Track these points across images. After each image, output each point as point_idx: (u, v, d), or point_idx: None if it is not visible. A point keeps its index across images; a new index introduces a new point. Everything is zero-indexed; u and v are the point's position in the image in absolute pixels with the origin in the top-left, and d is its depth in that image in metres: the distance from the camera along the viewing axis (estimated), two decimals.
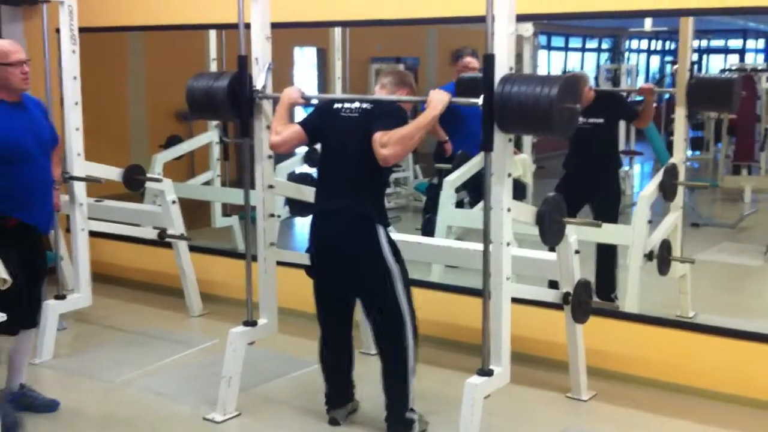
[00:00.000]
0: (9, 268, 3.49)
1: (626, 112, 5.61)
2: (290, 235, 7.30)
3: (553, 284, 4.25)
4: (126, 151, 7.92)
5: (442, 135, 6.00)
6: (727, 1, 4.07)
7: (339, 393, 3.85)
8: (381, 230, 3.58)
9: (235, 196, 6.14)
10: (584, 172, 5.33)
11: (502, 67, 3.30)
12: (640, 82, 16.28)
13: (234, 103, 4.00)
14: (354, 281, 3.68)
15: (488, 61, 3.29)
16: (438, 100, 3.45)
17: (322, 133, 3.75)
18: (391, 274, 3.57)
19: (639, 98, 5.57)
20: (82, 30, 4.85)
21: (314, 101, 4.18)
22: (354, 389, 3.92)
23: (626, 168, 9.47)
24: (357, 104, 3.65)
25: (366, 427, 3.84)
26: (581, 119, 5.04)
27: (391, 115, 3.56)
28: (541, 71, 14.05)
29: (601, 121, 5.23)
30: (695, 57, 15.90)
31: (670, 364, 4.31)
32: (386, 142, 3.41)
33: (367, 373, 3.99)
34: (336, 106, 3.69)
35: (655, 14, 5.57)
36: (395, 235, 3.85)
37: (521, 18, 4.53)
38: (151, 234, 5.41)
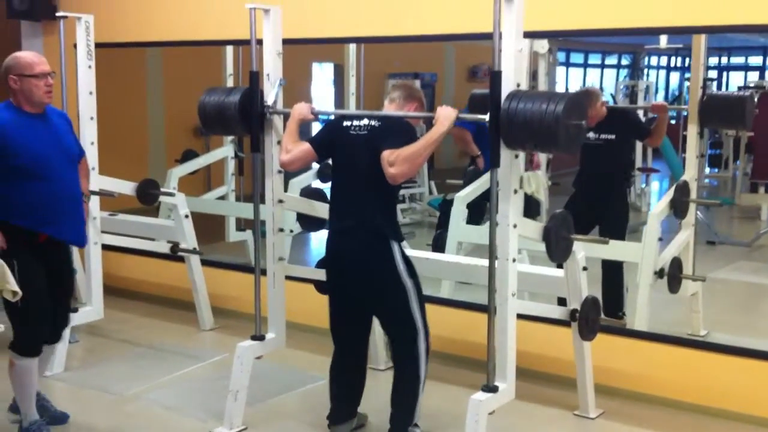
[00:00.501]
0: (36, 284, 3.55)
1: (638, 129, 5.61)
2: (304, 250, 7.33)
3: (563, 302, 4.25)
4: (144, 165, 8.00)
5: (474, 149, 5.98)
6: (738, 18, 4.05)
7: (343, 409, 3.85)
8: (396, 246, 3.60)
9: (249, 210, 6.10)
10: (593, 190, 5.31)
11: (509, 84, 3.31)
12: (659, 99, 16.25)
13: (245, 119, 4.03)
14: (369, 297, 3.69)
15: (495, 78, 3.31)
16: (445, 116, 3.45)
17: (332, 151, 3.77)
18: (405, 290, 3.59)
19: (655, 116, 5.56)
20: (99, 45, 4.91)
21: (326, 116, 4.21)
22: (358, 405, 3.91)
23: (642, 185, 9.44)
24: (366, 121, 3.66)
25: None
26: (592, 135, 5.04)
27: (400, 132, 3.57)
28: (560, 88, 14.06)
29: (612, 137, 5.21)
30: (715, 74, 15.87)
31: (679, 383, 4.28)
32: (394, 161, 3.43)
33: (376, 388, 4.00)
34: (345, 123, 3.69)
35: (666, 31, 5.59)
36: (407, 251, 3.86)
37: (531, 35, 4.58)
38: (164, 248, 5.46)
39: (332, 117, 4.05)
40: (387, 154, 3.45)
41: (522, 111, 3.21)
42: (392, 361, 3.77)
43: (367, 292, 3.66)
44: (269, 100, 3.96)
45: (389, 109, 3.73)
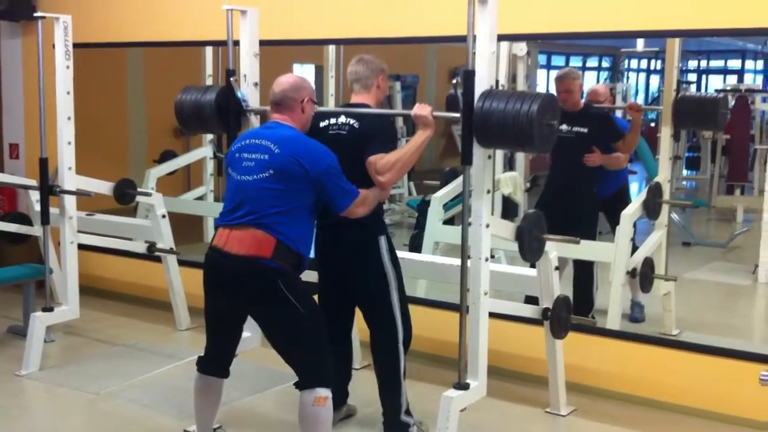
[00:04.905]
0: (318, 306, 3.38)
1: (612, 128, 5.32)
2: None
3: (530, 300, 4.31)
4: (124, 165, 7.99)
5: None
6: (711, 22, 4.11)
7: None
8: (382, 239, 3.68)
9: None
10: (562, 188, 5.22)
11: (483, 86, 3.34)
12: (639, 102, 16.31)
13: (222, 117, 4.06)
14: (354, 285, 3.77)
15: (467, 77, 3.34)
16: (425, 121, 3.48)
17: None
18: (387, 279, 3.68)
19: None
20: (78, 46, 4.92)
21: None
22: (347, 395, 4.01)
23: None
24: (343, 119, 3.68)
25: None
26: (565, 127, 4.99)
27: (383, 135, 3.60)
28: (541, 90, 14.09)
29: (584, 130, 5.10)
30: (694, 77, 16.02)
31: (649, 381, 4.33)
32: (382, 170, 3.48)
33: (353, 384, 4.08)
34: (322, 124, 3.70)
35: (641, 35, 5.63)
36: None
37: (507, 38, 4.62)
38: (141, 248, 5.46)
39: None
40: (374, 160, 3.49)
41: (496, 110, 3.25)
42: (372, 353, 3.83)
43: (352, 280, 3.75)
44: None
45: (360, 98, 3.72)
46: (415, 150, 3.50)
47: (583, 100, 5.39)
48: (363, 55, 3.74)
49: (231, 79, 4.00)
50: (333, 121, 3.69)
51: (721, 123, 5.04)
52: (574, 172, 5.17)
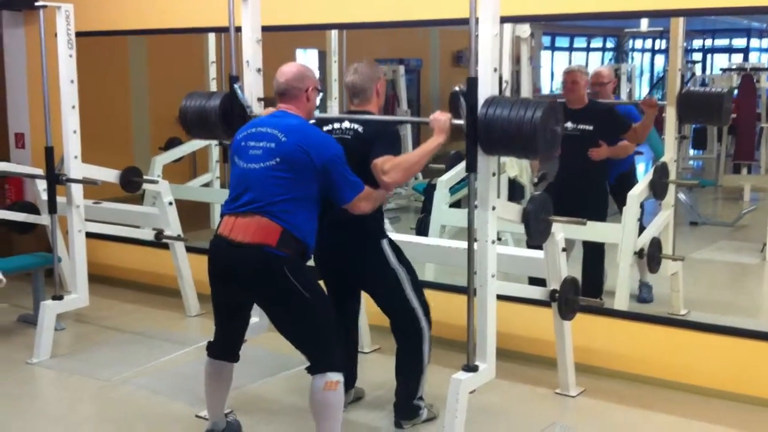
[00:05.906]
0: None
1: (619, 122, 5.20)
2: None
3: (534, 282, 4.32)
4: (129, 154, 7.99)
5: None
6: (712, 1, 4.09)
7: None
8: (384, 243, 3.70)
9: None
10: (569, 186, 5.13)
11: (486, 67, 3.32)
12: (644, 82, 16.27)
13: (227, 122, 4.06)
14: (363, 282, 3.82)
15: (471, 85, 3.32)
16: (440, 128, 3.45)
17: None
18: (398, 279, 3.70)
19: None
20: (80, 34, 4.91)
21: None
22: (356, 379, 4.04)
23: None
24: (347, 124, 3.66)
25: (372, 414, 3.99)
26: (570, 125, 4.96)
27: (389, 141, 3.57)
28: (545, 72, 14.09)
29: (590, 128, 5.05)
30: (699, 56, 15.97)
31: (658, 361, 4.34)
32: (389, 170, 3.44)
33: (362, 368, 4.11)
34: (326, 128, 3.66)
35: (646, 15, 5.60)
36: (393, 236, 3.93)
37: (510, 19, 4.60)
38: (149, 235, 5.48)
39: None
40: (381, 162, 3.46)
41: (499, 117, 3.23)
42: (394, 336, 3.84)
43: (360, 280, 3.79)
44: (253, 90, 3.98)
45: (361, 107, 3.70)
46: (425, 155, 3.49)
47: (587, 98, 5.32)
48: (358, 65, 3.70)
49: (235, 85, 3.99)
50: (337, 125, 3.67)
51: (726, 118, 4.97)
52: (582, 170, 5.11)
